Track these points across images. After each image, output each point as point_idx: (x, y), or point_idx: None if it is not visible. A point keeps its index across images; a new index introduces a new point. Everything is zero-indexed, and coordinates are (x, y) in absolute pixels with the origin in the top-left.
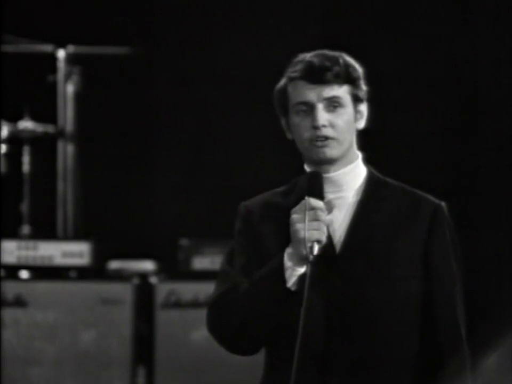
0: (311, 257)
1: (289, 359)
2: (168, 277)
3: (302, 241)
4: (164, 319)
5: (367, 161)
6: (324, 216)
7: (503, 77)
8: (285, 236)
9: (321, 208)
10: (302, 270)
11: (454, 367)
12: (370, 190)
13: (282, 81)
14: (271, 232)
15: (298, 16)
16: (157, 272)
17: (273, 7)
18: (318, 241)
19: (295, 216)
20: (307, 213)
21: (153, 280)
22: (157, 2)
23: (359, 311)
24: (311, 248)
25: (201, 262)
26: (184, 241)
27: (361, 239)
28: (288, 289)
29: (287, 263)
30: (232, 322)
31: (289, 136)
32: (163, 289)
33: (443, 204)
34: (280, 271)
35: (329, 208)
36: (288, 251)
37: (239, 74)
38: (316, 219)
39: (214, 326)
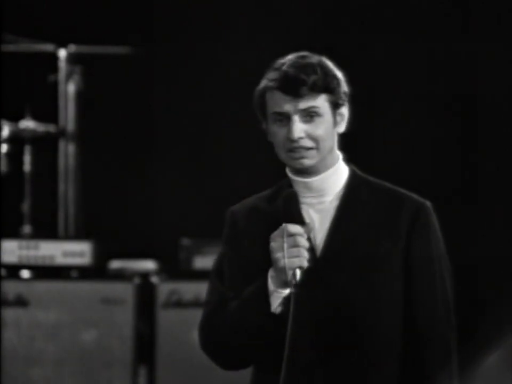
0: (294, 282)
1: (276, 371)
2: (170, 276)
3: (283, 269)
4: (165, 318)
5: (349, 160)
6: (304, 241)
7: (503, 80)
8: (268, 243)
9: (300, 233)
10: (286, 292)
11: (441, 370)
12: (351, 192)
13: (260, 86)
14: (255, 239)
15: (298, 18)
16: (158, 272)
17: (273, 8)
18: (300, 267)
19: (273, 244)
20: (286, 239)
21: (154, 279)
22: (158, 2)
23: (343, 316)
24: (294, 274)
25: (202, 262)
26: (185, 241)
27: (342, 243)
28: (273, 313)
29: (271, 287)
30: (221, 344)
31: (269, 138)
32: (164, 288)
33: (428, 203)
34: (264, 295)
35: (308, 230)
36: (271, 274)
37: (239, 74)
38: (295, 245)
39: (205, 346)
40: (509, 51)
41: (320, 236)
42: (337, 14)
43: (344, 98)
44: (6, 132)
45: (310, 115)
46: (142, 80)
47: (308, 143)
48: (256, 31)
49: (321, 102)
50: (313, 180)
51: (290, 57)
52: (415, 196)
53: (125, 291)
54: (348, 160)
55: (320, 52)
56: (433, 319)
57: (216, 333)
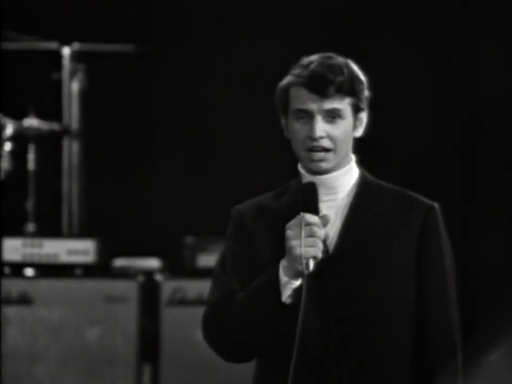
0: (306, 272)
1: (284, 366)
2: (173, 274)
3: (298, 258)
4: (169, 316)
5: (361, 163)
6: (320, 231)
7: (503, 80)
8: (277, 239)
9: (317, 223)
10: (297, 283)
11: (447, 369)
12: (362, 191)
13: (285, 81)
14: (263, 235)
15: (298, 18)
16: (162, 270)
17: (273, 8)
18: (314, 258)
19: (290, 232)
20: (303, 228)
21: (158, 277)
22: (158, 1)
23: (354, 313)
24: (307, 264)
25: (206, 260)
26: (189, 239)
27: (354, 240)
28: (283, 303)
29: (283, 277)
30: (227, 334)
31: (286, 135)
32: (168, 286)
33: (436, 204)
34: (275, 285)
35: (325, 221)
36: (284, 264)
37: (240, 74)
38: (312, 235)
39: (209, 336)
40: (509, 51)
41: (332, 232)
42: (337, 14)
43: (366, 103)
44: (10, 130)
45: (332, 116)
46: (146, 78)
47: (327, 143)
48: (256, 31)
49: (345, 106)
50: (326, 177)
51: (316, 56)
52: (423, 197)
53: (129, 289)
54: (359, 162)
55: (320, 53)
56: (446, 320)
57: (222, 323)
